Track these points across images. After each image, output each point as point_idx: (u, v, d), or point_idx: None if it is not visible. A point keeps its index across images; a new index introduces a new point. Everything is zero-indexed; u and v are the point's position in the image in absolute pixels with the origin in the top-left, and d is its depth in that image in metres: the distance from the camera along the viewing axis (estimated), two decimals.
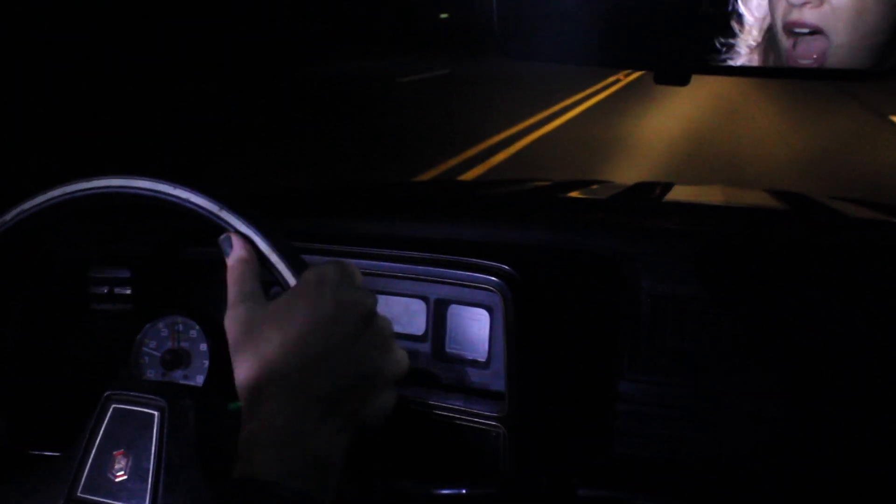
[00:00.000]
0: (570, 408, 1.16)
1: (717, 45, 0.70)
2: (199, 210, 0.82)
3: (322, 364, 0.67)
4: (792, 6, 0.67)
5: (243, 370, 0.69)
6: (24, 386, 1.19)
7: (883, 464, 1.10)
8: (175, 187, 0.82)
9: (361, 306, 0.71)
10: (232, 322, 0.72)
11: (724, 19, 0.70)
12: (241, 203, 0.82)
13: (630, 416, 1.17)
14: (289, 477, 0.62)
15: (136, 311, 1.26)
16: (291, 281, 0.78)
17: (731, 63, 0.70)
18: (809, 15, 0.67)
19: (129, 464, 0.89)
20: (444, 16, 26.22)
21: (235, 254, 0.78)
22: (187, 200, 0.82)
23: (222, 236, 0.80)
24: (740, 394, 1.14)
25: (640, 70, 0.75)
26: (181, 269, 1.28)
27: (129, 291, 1.26)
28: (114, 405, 0.92)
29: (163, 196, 0.83)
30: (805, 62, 0.69)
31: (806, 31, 0.68)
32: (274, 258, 0.79)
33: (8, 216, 0.88)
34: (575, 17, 0.75)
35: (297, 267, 0.78)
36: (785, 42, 0.69)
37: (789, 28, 0.68)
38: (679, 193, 1.86)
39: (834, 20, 0.67)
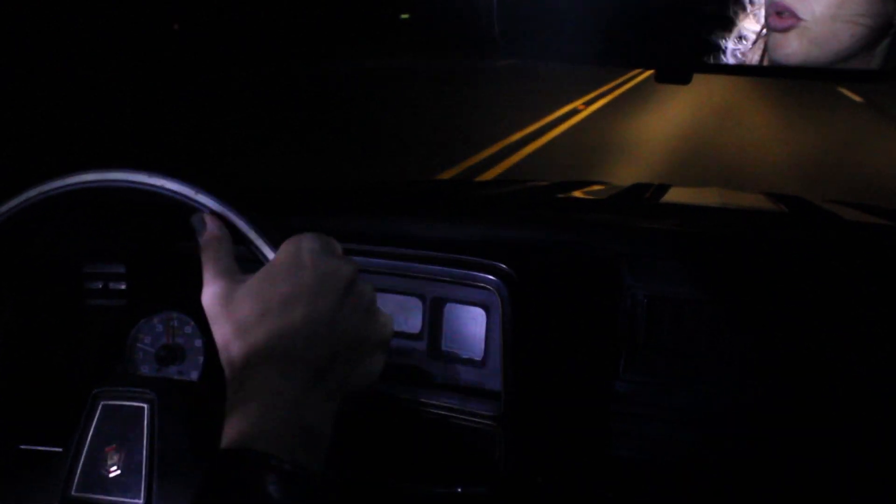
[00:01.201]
0: (565, 408, 1.16)
1: (719, 43, 0.70)
2: (175, 196, 0.81)
3: (306, 332, 0.67)
4: None
5: (225, 343, 0.69)
6: (18, 381, 1.18)
7: (880, 464, 1.10)
8: (150, 176, 0.82)
9: (342, 273, 0.71)
10: (210, 298, 0.72)
11: (726, 17, 0.69)
12: (215, 186, 0.82)
13: (626, 417, 1.17)
14: (278, 446, 0.61)
15: (131, 307, 1.25)
16: (270, 254, 0.77)
17: (732, 62, 0.70)
18: None
19: (122, 458, 0.89)
20: (404, 16, 25.90)
21: (208, 232, 0.77)
22: (162, 187, 0.81)
23: (194, 216, 0.79)
24: (735, 394, 1.14)
25: (642, 68, 0.75)
26: (176, 264, 1.27)
27: (123, 287, 1.26)
28: (102, 402, 0.91)
29: (138, 186, 0.82)
30: (784, 51, 0.69)
31: (779, 10, 0.68)
32: (251, 234, 0.78)
33: None
34: (576, 15, 0.74)
35: (273, 240, 0.78)
36: (767, 14, 0.69)
37: (770, 9, 0.69)
38: (676, 195, 1.86)
39: (799, 5, 0.67)
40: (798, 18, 0.68)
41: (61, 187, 0.85)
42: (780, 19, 0.68)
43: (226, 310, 0.70)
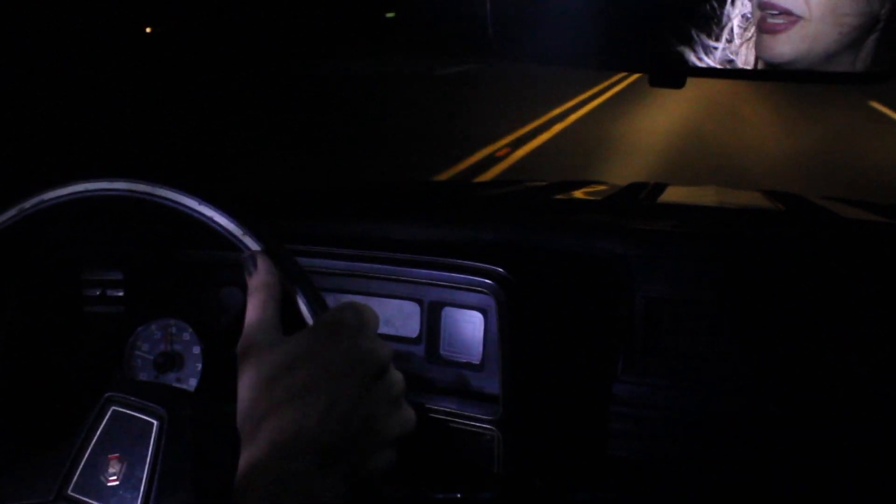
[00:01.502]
0: (564, 410, 1.16)
1: (711, 46, 0.70)
2: (223, 231, 0.81)
3: (327, 413, 0.65)
4: None
5: (247, 404, 0.68)
6: (17, 386, 1.18)
7: (880, 465, 1.10)
8: (201, 203, 0.82)
9: (376, 358, 0.70)
10: (246, 351, 0.70)
11: (718, 20, 0.70)
12: (265, 227, 0.82)
13: (625, 419, 1.17)
14: None
15: (129, 314, 1.25)
16: (309, 319, 0.76)
17: (725, 66, 0.70)
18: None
19: (123, 470, 0.89)
20: (389, 15, 25.63)
21: (260, 276, 0.75)
22: (211, 219, 0.82)
23: (246, 254, 0.78)
24: (735, 395, 1.14)
25: (635, 72, 0.75)
26: (174, 271, 1.27)
27: (121, 293, 1.26)
28: (113, 407, 0.91)
29: (186, 211, 0.83)
30: (775, 28, 0.68)
31: (776, 12, 0.68)
32: (296, 291, 0.78)
33: None
34: (570, 19, 0.74)
35: (316, 306, 0.77)
36: (758, 15, 0.69)
37: (763, 9, 0.68)
38: (673, 194, 1.86)
39: (807, 4, 0.67)
40: (796, 18, 0.67)
41: (105, 189, 0.85)
42: (775, 22, 0.68)
43: (255, 368, 0.69)
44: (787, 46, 0.68)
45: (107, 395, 0.91)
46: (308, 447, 0.64)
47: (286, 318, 0.74)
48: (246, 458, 0.65)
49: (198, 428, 0.90)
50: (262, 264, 0.76)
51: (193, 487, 0.87)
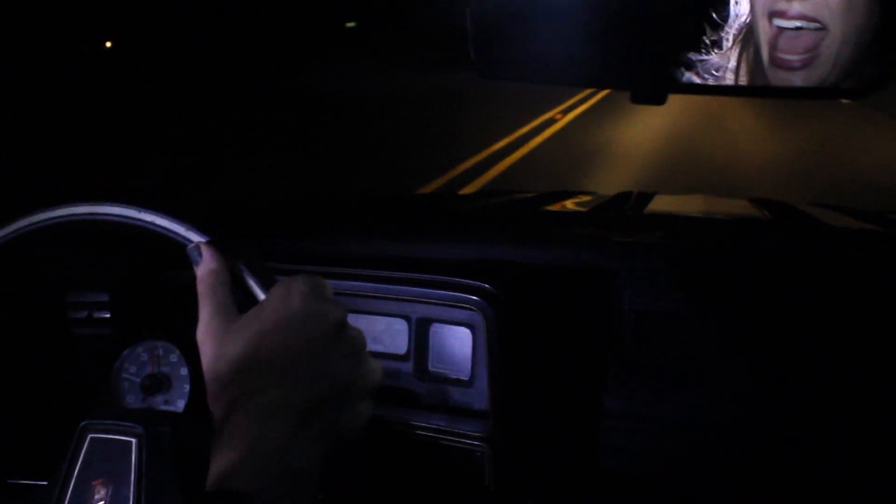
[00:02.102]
0: (554, 425, 1.16)
1: (693, 63, 0.70)
2: (166, 232, 0.82)
3: (294, 376, 0.67)
4: None
5: (213, 383, 0.69)
6: (2, 412, 1.17)
7: (871, 475, 1.09)
8: (140, 211, 0.83)
9: (331, 317, 0.71)
10: (202, 336, 0.72)
11: (701, 36, 0.69)
12: (208, 222, 0.83)
13: (615, 432, 1.17)
14: (263, 489, 0.61)
15: (115, 336, 1.24)
16: (260, 295, 0.77)
17: (709, 82, 0.70)
18: (798, 6, 0.66)
19: (109, 493, 0.88)
20: (350, 24, 25.46)
21: (206, 264, 0.77)
22: (153, 223, 0.83)
23: (190, 245, 0.79)
24: (725, 407, 1.14)
25: (616, 89, 0.75)
26: (161, 292, 1.27)
27: (107, 315, 1.25)
28: (90, 435, 0.91)
29: (129, 221, 0.84)
30: (789, 58, 0.68)
31: (794, 25, 0.67)
32: (243, 271, 0.79)
33: None
34: (550, 36, 0.74)
35: (266, 280, 0.78)
36: (766, 34, 0.68)
37: (773, 17, 0.68)
38: (661, 204, 1.86)
39: (825, 13, 0.66)
40: (821, 33, 0.66)
41: (52, 219, 0.86)
42: (790, 59, 0.67)
43: (217, 350, 0.70)
44: (800, 82, 0.68)
45: (82, 423, 0.91)
46: (278, 413, 0.65)
47: (239, 299, 0.76)
48: (219, 432, 0.66)
49: (178, 439, 0.90)
50: (207, 252, 0.78)
51: (181, 497, 0.86)
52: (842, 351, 1.12)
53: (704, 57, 0.70)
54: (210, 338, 0.71)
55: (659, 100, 0.71)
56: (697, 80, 0.70)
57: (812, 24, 0.67)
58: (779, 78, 0.68)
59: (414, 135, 9.91)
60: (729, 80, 0.69)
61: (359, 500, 1.10)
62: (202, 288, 0.75)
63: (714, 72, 0.70)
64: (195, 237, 0.81)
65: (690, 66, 0.70)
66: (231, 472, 0.62)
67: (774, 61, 0.69)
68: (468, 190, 6.90)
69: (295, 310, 0.70)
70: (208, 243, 0.79)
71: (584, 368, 1.19)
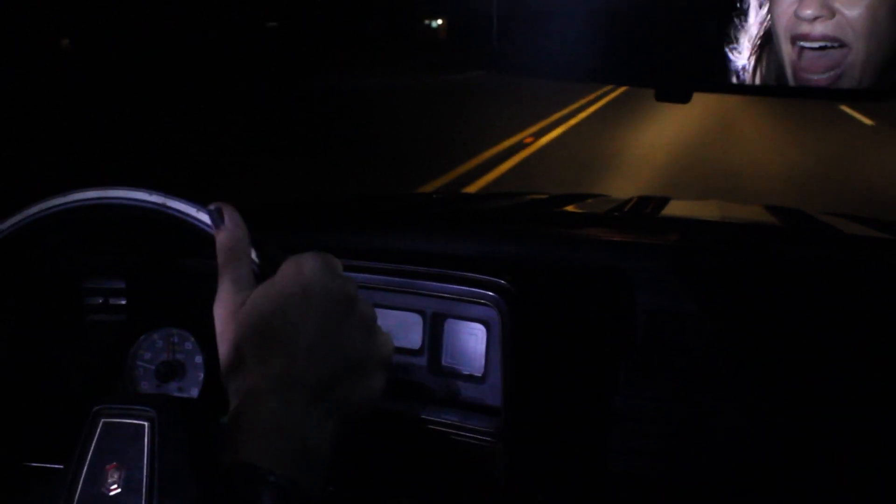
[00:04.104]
0: (565, 423, 1.16)
1: (718, 62, 0.70)
2: (177, 213, 0.82)
3: (307, 350, 0.67)
4: (800, 19, 0.66)
5: (227, 358, 0.69)
6: (18, 397, 1.18)
7: (878, 482, 1.09)
8: (151, 194, 0.83)
9: (343, 291, 0.71)
10: (222, 311, 0.71)
11: (726, 36, 0.70)
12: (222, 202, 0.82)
13: (626, 433, 1.17)
14: (278, 465, 0.61)
15: (131, 323, 1.25)
16: (271, 270, 0.77)
17: (733, 81, 0.70)
18: (821, 28, 0.67)
19: (122, 476, 0.89)
20: (271, 24, 25.11)
21: (230, 230, 0.75)
22: (164, 205, 0.82)
23: (212, 206, 0.77)
24: (736, 410, 1.14)
25: (642, 87, 0.75)
26: (176, 280, 1.27)
27: (123, 302, 1.26)
28: (103, 420, 0.91)
29: (140, 204, 0.83)
30: (814, 77, 0.68)
31: (817, 45, 0.67)
32: (257, 244, 0.78)
33: None
34: (575, 34, 0.75)
35: (277, 255, 0.77)
36: (790, 55, 0.68)
37: (796, 40, 0.68)
38: (675, 208, 1.86)
39: (848, 32, 0.66)
40: (844, 50, 0.67)
41: (64, 204, 0.85)
42: (823, 62, 0.68)
43: (232, 323, 0.70)
44: (824, 79, 0.68)
45: (95, 409, 0.91)
46: (291, 388, 0.65)
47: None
48: (234, 407, 0.66)
49: (191, 422, 0.91)
50: (230, 215, 0.76)
51: (195, 479, 0.87)
52: (854, 356, 1.12)
53: (730, 57, 0.70)
54: (225, 310, 0.71)
55: (683, 98, 0.72)
56: (721, 79, 0.70)
57: (835, 44, 0.67)
58: (808, 80, 0.68)
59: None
60: (753, 80, 0.69)
61: (370, 493, 1.10)
62: (224, 257, 0.74)
63: (738, 72, 0.70)
64: (207, 218, 0.79)
65: (715, 65, 0.70)
66: (244, 447, 0.62)
67: (799, 80, 0.69)
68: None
69: (307, 284, 0.70)
70: (231, 206, 0.77)
71: (596, 368, 1.19)
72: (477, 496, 1.09)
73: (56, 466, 0.94)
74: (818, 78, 0.68)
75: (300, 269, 0.71)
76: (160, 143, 9.04)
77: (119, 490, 0.88)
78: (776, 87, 0.69)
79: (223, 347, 0.70)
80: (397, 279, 1.14)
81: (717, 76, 0.70)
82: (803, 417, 1.12)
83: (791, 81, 0.68)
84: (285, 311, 0.68)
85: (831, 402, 1.12)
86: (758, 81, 0.70)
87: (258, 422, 0.64)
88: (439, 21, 38.93)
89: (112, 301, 1.26)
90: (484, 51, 0.80)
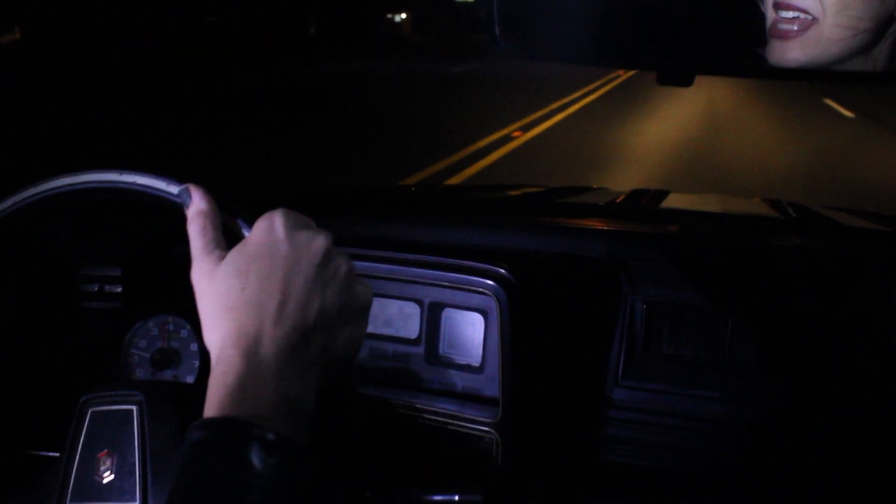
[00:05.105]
0: (563, 414, 1.15)
1: (720, 44, 0.69)
2: (149, 191, 0.82)
3: (283, 305, 0.68)
4: None
5: (207, 319, 0.70)
6: (13, 384, 1.17)
7: (882, 471, 1.09)
8: (122, 174, 0.83)
9: (316, 245, 0.72)
10: (198, 276, 0.73)
11: (728, 17, 0.69)
12: (186, 174, 0.83)
13: (624, 424, 1.17)
14: (261, 417, 0.62)
15: (127, 310, 1.24)
16: (245, 232, 0.78)
17: (734, 63, 0.69)
18: None
19: (115, 462, 0.88)
20: (210, 19, 24.86)
21: (195, 205, 0.77)
22: (134, 183, 0.83)
23: (180, 188, 0.79)
24: (735, 401, 1.14)
25: (643, 70, 0.74)
26: (172, 267, 1.26)
27: (119, 290, 1.25)
28: (91, 409, 0.91)
29: (111, 185, 0.84)
30: (786, 35, 0.68)
31: (791, 14, 0.67)
32: (227, 211, 0.79)
33: None
34: (577, 16, 0.74)
35: (248, 218, 0.78)
36: (771, 18, 0.68)
37: (779, 9, 0.68)
38: (674, 201, 1.86)
39: (822, 4, 0.66)
40: (809, 22, 0.67)
41: (35, 195, 0.86)
42: (787, 28, 0.68)
43: (209, 287, 0.71)
44: (797, 52, 0.68)
45: (83, 399, 0.91)
46: (270, 342, 0.66)
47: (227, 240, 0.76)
48: (214, 367, 0.67)
49: (181, 402, 0.90)
50: (196, 193, 0.78)
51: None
52: (854, 348, 1.11)
53: (731, 40, 0.69)
54: (200, 275, 0.72)
55: (686, 81, 0.71)
56: (724, 62, 0.70)
57: (804, 15, 0.67)
58: (779, 52, 0.68)
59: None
60: (756, 63, 0.69)
61: (365, 483, 1.10)
62: (193, 228, 0.76)
63: (741, 54, 0.69)
64: (177, 190, 0.80)
65: (717, 47, 0.69)
66: (227, 402, 0.63)
67: (774, 55, 0.69)
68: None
69: (279, 240, 0.71)
70: (198, 185, 0.80)
71: (594, 359, 1.18)
72: (473, 486, 1.08)
73: (53, 454, 0.93)
74: (786, 33, 0.68)
75: (271, 225, 0.72)
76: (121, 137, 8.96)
77: (113, 476, 0.87)
78: (780, 69, 0.68)
79: (203, 310, 0.71)
80: (395, 267, 1.13)
81: (719, 59, 0.69)
82: (802, 408, 1.12)
83: (771, 58, 0.68)
84: (260, 266, 0.69)
85: (832, 392, 1.11)
86: (761, 64, 0.69)
87: (239, 375, 0.64)
88: (403, 15, 37.86)
89: (108, 288, 1.25)
90: (486, 32, 0.79)
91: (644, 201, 1.80)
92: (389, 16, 37.60)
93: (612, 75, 15.88)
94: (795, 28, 0.67)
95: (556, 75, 14.09)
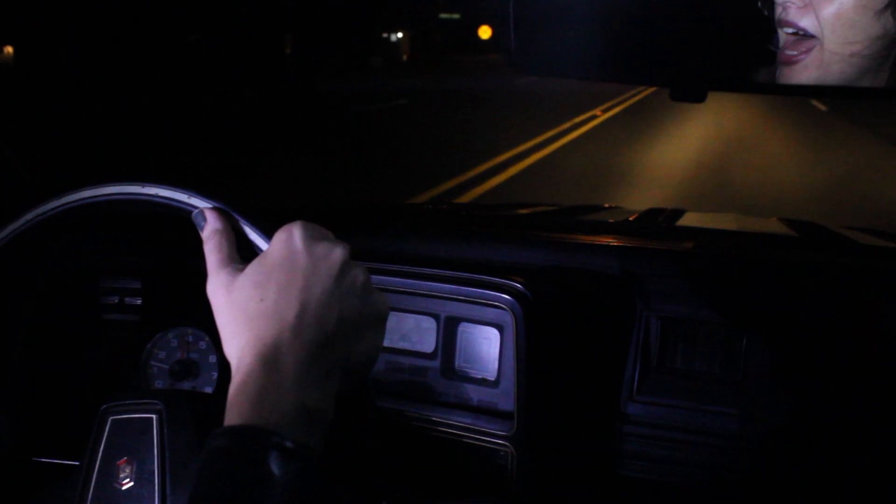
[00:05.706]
0: (579, 428, 1.16)
1: (733, 61, 0.70)
2: (171, 203, 0.83)
3: (302, 315, 0.69)
4: (779, 4, 0.68)
5: (227, 331, 0.71)
6: (34, 394, 1.18)
7: (894, 489, 1.08)
8: (144, 186, 0.85)
9: (334, 256, 0.73)
10: (212, 288, 0.74)
11: (742, 35, 0.70)
12: (206, 187, 0.85)
13: (638, 439, 1.17)
14: (280, 425, 0.63)
15: (146, 322, 1.26)
16: (263, 245, 0.79)
17: (747, 80, 0.70)
18: (794, 15, 0.68)
19: (134, 470, 0.89)
20: (193, 38, 24.78)
21: (210, 225, 0.79)
22: (156, 196, 0.84)
23: (195, 212, 0.81)
24: (749, 417, 1.13)
25: (657, 86, 0.75)
26: (192, 279, 1.28)
27: (139, 302, 1.26)
28: (111, 417, 0.92)
29: (134, 197, 0.85)
30: (791, 60, 0.69)
31: (791, 30, 0.68)
32: (244, 227, 0.81)
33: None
34: (593, 33, 0.75)
35: (265, 230, 0.80)
36: (781, 41, 0.69)
37: (781, 27, 0.69)
38: (690, 220, 1.86)
39: (820, 23, 0.67)
40: (811, 44, 0.68)
41: (58, 206, 0.87)
42: (791, 53, 0.69)
43: (227, 298, 0.72)
44: (803, 75, 0.69)
45: (103, 407, 0.92)
46: (289, 353, 0.67)
47: (245, 256, 0.77)
48: (235, 376, 0.68)
49: (200, 412, 0.91)
50: (211, 214, 0.80)
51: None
52: (869, 365, 1.11)
53: (744, 57, 0.70)
54: (218, 288, 0.73)
55: (699, 97, 0.72)
56: (737, 79, 0.71)
57: (803, 33, 0.69)
58: (787, 76, 0.69)
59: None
60: (768, 79, 0.70)
61: (382, 494, 1.10)
62: (208, 246, 0.77)
63: (754, 71, 0.70)
64: (198, 202, 0.82)
65: (730, 64, 0.70)
66: (247, 410, 0.64)
67: (783, 74, 0.70)
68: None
69: (297, 251, 0.72)
70: (212, 208, 0.81)
71: (609, 374, 1.19)
72: (489, 499, 1.09)
73: (73, 463, 0.94)
74: (793, 57, 0.69)
75: (290, 237, 0.73)
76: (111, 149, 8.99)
77: (132, 483, 0.88)
78: (792, 86, 0.69)
79: (221, 322, 0.72)
80: (412, 281, 1.14)
81: (732, 75, 0.70)
82: (817, 425, 1.11)
83: (780, 81, 0.69)
84: (279, 278, 0.70)
85: (848, 409, 1.11)
86: (774, 80, 0.70)
87: (258, 384, 0.65)
88: (400, 35, 36.75)
89: (128, 301, 1.27)
90: (502, 50, 0.81)
91: (660, 220, 1.80)
92: (385, 35, 36.79)
93: (620, 98, 15.82)
94: (797, 53, 0.69)
95: (562, 91, 14.21)
